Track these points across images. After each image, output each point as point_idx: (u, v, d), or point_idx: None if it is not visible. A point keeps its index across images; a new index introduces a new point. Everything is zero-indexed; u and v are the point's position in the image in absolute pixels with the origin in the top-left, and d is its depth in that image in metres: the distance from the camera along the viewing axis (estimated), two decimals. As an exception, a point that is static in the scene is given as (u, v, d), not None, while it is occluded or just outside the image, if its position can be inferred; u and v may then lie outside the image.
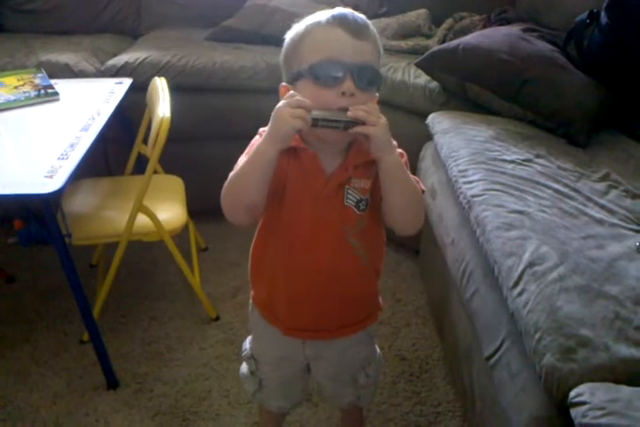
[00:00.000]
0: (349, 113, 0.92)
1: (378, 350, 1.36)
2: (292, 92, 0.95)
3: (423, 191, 1.05)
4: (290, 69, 1.00)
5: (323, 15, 0.97)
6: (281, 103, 0.93)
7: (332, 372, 1.28)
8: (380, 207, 1.05)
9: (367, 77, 0.95)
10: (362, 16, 0.99)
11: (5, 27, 2.87)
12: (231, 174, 1.01)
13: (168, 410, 1.67)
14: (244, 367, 1.35)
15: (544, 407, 1.06)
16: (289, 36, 1.01)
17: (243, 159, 1.01)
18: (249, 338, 1.35)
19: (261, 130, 1.04)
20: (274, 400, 1.35)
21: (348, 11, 0.98)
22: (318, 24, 0.97)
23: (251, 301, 1.26)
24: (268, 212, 1.07)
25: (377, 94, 1.01)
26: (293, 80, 0.99)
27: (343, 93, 0.93)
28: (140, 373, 1.80)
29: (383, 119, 0.94)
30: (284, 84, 1.02)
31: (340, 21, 0.95)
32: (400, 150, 1.05)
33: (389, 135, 0.96)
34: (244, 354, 1.33)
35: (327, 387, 1.33)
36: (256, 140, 1.04)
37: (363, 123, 0.92)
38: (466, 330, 1.53)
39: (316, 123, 0.92)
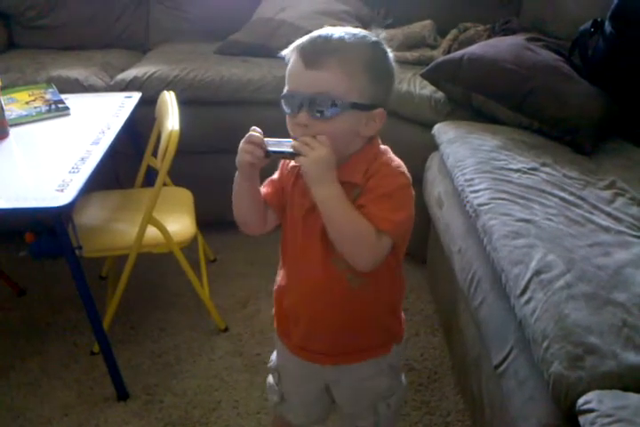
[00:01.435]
0: (292, 144, 0.95)
1: (404, 381, 1.30)
2: (253, 127, 1.00)
3: (389, 230, 0.97)
4: None
5: (300, 39, 0.98)
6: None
7: (351, 397, 1.25)
8: None
9: (319, 108, 0.93)
10: (332, 37, 0.94)
11: (16, 43, 2.92)
12: None
13: (178, 421, 1.68)
14: (271, 378, 1.33)
15: (552, 415, 1.06)
16: None
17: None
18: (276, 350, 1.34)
19: None
20: (293, 415, 1.33)
21: (320, 33, 0.95)
22: (290, 51, 0.98)
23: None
24: (282, 226, 1.13)
25: (379, 109, 0.98)
26: None
27: (297, 124, 0.96)
28: (149, 384, 1.81)
29: (318, 152, 0.92)
30: None
31: (299, 49, 0.96)
32: (396, 179, 1.00)
33: (322, 168, 0.93)
34: (269, 365, 1.32)
35: (346, 410, 1.30)
36: None
37: (299, 154, 0.94)
38: (474, 339, 1.53)
39: (268, 154, 0.98)
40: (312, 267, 1.06)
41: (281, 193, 1.09)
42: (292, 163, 1.04)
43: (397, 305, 1.18)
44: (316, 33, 0.97)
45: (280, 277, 1.16)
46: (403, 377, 1.30)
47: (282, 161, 1.10)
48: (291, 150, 0.95)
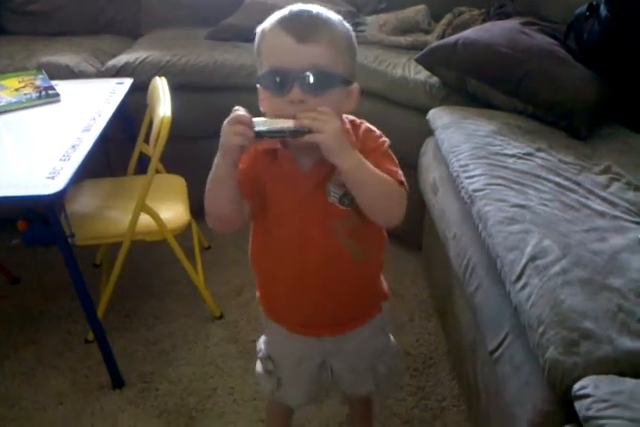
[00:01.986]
0: (296, 122, 0.91)
1: (392, 338, 1.36)
2: (235, 107, 0.95)
3: (401, 182, 1.02)
4: (258, 71, 1.00)
5: (278, 14, 0.95)
6: (225, 120, 0.94)
7: (351, 364, 1.27)
8: None
9: (316, 82, 0.92)
10: (315, 12, 0.95)
11: (6, 29, 2.89)
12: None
13: (174, 408, 1.68)
14: (260, 367, 1.34)
15: (548, 401, 1.06)
16: (255, 34, 1.00)
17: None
18: (262, 338, 1.34)
19: None
20: (294, 398, 1.34)
21: (301, 9, 0.95)
22: (271, 27, 0.95)
23: (260, 306, 1.26)
24: (254, 215, 1.08)
25: (355, 85, 1.00)
26: (256, 83, 0.99)
27: (291, 101, 0.93)
28: (145, 372, 1.80)
29: (332, 123, 0.91)
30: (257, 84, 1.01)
31: (286, 24, 0.93)
32: (382, 140, 1.05)
33: (341, 139, 0.93)
34: (260, 355, 1.33)
35: (346, 378, 1.31)
36: None
37: (310, 131, 0.91)
38: (469, 324, 1.53)
39: (260, 135, 0.92)
40: (315, 245, 1.05)
41: (253, 182, 1.04)
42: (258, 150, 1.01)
43: (383, 264, 1.21)
44: (293, 8, 0.95)
45: (264, 265, 1.15)
46: (390, 335, 1.35)
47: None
48: (291, 128, 0.91)
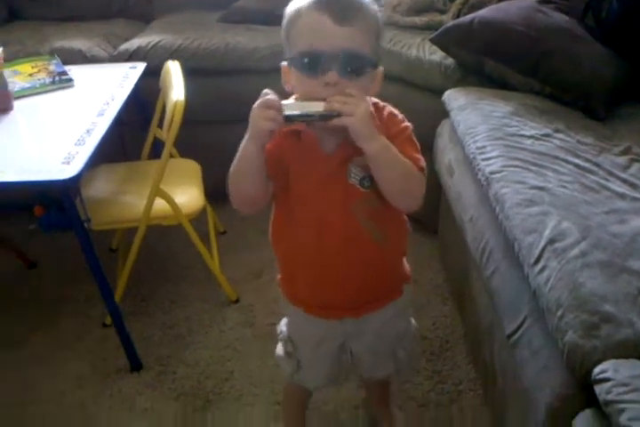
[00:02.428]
0: (325, 106, 0.90)
1: (413, 321, 1.36)
2: (265, 90, 0.94)
3: (422, 168, 1.02)
4: (286, 51, 0.99)
5: None
6: (255, 104, 0.93)
7: (372, 346, 1.27)
8: None
9: (352, 66, 0.92)
10: None
11: (17, 14, 2.88)
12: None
13: (191, 391, 1.69)
14: (280, 349, 1.35)
15: (567, 384, 1.04)
16: (285, 14, 0.98)
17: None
18: (284, 321, 1.34)
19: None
20: (313, 380, 1.35)
21: None
22: (305, 7, 0.93)
23: (280, 288, 1.26)
24: (276, 195, 1.09)
25: (381, 68, 1.00)
26: (287, 63, 0.98)
27: (327, 84, 0.92)
28: (162, 355, 1.82)
29: (362, 107, 0.91)
30: (284, 63, 1.01)
31: (324, 6, 0.91)
32: (404, 124, 1.04)
33: (369, 123, 0.93)
34: (280, 337, 1.34)
35: (366, 360, 1.32)
36: None
37: (339, 114, 0.90)
38: (487, 308, 1.52)
39: (289, 119, 0.92)
40: (336, 227, 1.05)
41: (278, 161, 1.03)
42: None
43: (406, 249, 1.22)
44: None
45: (284, 247, 1.15)
46: (412, 318, 1.36)
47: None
48: (321, 112, 0.90)
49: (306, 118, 0.92)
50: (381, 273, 1.16)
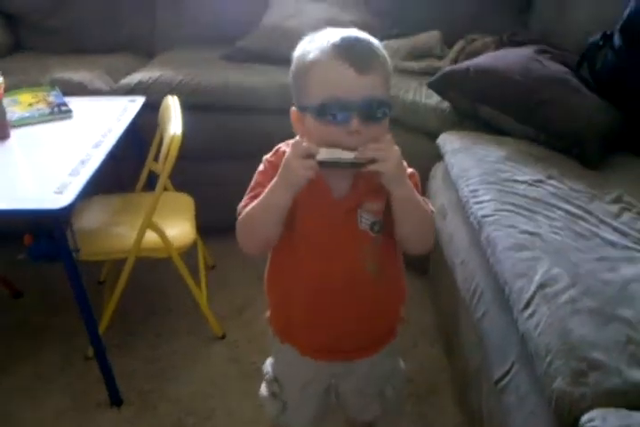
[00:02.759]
0: (358, 154, 0.92)
1: (401, 361, 1.35)
2: (298, 139, 0.96)
3: (432, 212, 1.06)
4: (298, 98, 0.99)
5: (327, 42, 0.94)
6: (290, 153, 0.94)
7: (360, 387, 1.26)
8: (393, 227, 1.05)
9: (374, 112, 0.94)
10: (367, 40, 0.96)
11: (22, 45, 2.92)
12: (244, 211, 1.03)
13: (172, 429, 1.66)
14: (265, 390, 1.32)
15: (554, 432, 1.03)
16: (296, 59, 0.99)
17: (247, 197, 1.04)
18: (269, 361, 1.33)
19: (266, 158, 1.07)
20: (298, 422, 1.32)
21: (352, 36, 0.95)
22: (323, 56, 0.93)
23: (270, 327, 1.24)
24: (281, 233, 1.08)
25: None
26: (302, 110, 0.98)
27: (350, 132, 0.93)
28: (144, 390, 1.78)
29: (394, 153, 0.94)
30: (294, 108, 1.01)
31: (344, 55, 0.92)
32: (411, 170, 1.06)
33: (401, 168, 0.96)
34: (266, 377, 1.31)
35: (353, 402, 1.31)
36: (261, 172, 1.06)
37: (373, 160, 0.92)
38: (475, 352, 1.50)
39: (324, 165, 0.93)
40: (339, 268, 1.06)
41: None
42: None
43: (405, 291, 1.21)
44: (343, 35, 0.95)
45: (283, 285, 1.13)
46: (399, 357, 1.35)
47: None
48: (353, 159, 0.92)
49: (339, 165, 0.93)
50: (379, 314, 1.15)
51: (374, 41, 0.97)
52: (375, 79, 0.94)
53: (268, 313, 1.23)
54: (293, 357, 1.19)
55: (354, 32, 0.97)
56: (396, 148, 0.95)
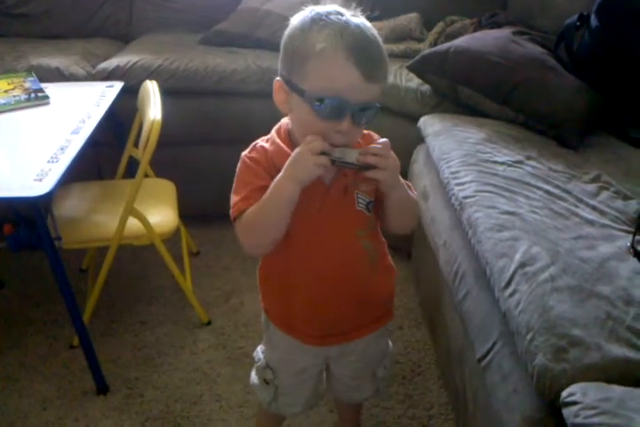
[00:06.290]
0: (359, 158, 0.95)
1: (390, 342, 1.37)
2: (310, 136, 0.95)
3: (416, 195, 1.11)
4: (290, 71, 0.96)
5: (339, 35, 0.91)
6: (302, 148, 0.95)
7: (354, 368, 1.28)
8: (380, 208, 1.09)
9: (366, 117, 0.96)
10: (377, 42, 0.95)
11: (-3, 31, 2.87)
12: (245, 215, 1.02)
13: (159, 415, 1.66)
14: (255, 378, 1.33)
15: (536, 408, 1.05)
16: (299, 31, 0.95)
17: (239, 198, 1.03)
18: (260, 348, 1.33)
19: (245, 154, 1.06)
20: (291, 407, 1.33)
21: (364, 36, 0.93)
22: (332, 52, 0.91)
23: (264, 315, 1.24)
24: None
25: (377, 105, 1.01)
26: (292, 88, 0.96)
27: (339, 131, 0.95)
28: (130, 378, 1.78)
29: (392, 161, 0.97)
30: (278, 79, 0.99)
31: (356, 60, 0.90)
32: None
33: (397, 174, 1.01)
34: (258, 364, 1.31)
35: (345, 384, 1.33)
36: (245, 170, 1.05)
37: (374, 167, 0.95)
38: (458, 332, 1.52)
39: (333, 162, 0.95)
40: (338, 251, 1.08)
41: None
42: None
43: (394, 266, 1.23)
44: (355, 30, 0.92)
45: (282, 273, 1.13)
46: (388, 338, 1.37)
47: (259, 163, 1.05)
48: (360, 164, 0.95)
49: (347, 166, 0.96)
50: (377, 293, 1.18)
51: (380, 40, 0.96)
52: (377, 87, 0.95)
53: (262, 303, 1.23)
54: (292, 345, 1.19)
55: (362, 25, 0.94)
56: (394, 155, 0.98)
